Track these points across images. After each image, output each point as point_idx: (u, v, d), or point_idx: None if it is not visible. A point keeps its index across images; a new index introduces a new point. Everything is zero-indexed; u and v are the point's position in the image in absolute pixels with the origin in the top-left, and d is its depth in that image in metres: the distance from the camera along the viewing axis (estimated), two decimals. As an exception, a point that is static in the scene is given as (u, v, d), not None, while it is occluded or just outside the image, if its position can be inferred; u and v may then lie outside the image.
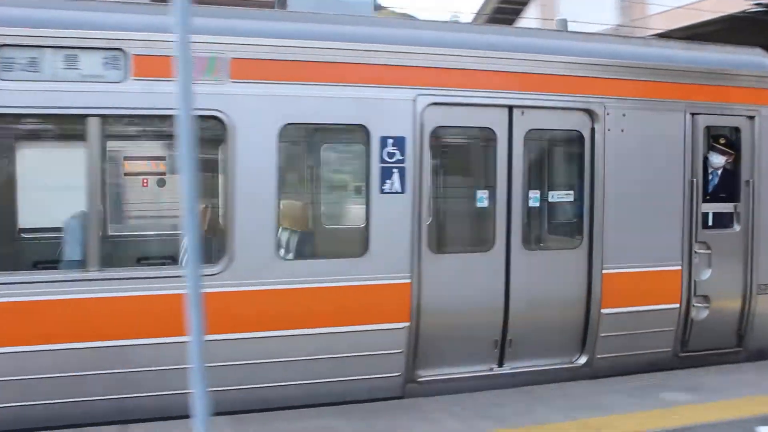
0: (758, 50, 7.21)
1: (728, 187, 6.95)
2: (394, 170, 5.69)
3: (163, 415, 4.99)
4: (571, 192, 6.39)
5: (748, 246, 6.95)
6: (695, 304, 6.81)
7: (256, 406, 5.44)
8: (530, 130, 6.14)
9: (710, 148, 7.00)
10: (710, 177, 7.04)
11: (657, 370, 6.64)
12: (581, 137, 6.29)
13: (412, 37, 5.81)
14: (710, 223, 6.91)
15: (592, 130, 6.29)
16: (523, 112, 6.06)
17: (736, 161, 6.96)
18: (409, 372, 5.90)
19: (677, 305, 6.65)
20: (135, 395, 5.02)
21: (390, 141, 5.67)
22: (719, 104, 6.75)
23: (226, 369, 5.32)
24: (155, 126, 5.43)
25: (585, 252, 6.30)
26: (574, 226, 6.38)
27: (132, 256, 5.98)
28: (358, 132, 5.60)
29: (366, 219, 5.63)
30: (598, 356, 6.45)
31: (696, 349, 6.90)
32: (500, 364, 6.23)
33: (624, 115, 6.38)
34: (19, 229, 6.03)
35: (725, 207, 6.96)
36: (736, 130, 6.92)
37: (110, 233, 6.27)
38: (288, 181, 5.56)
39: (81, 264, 4.98)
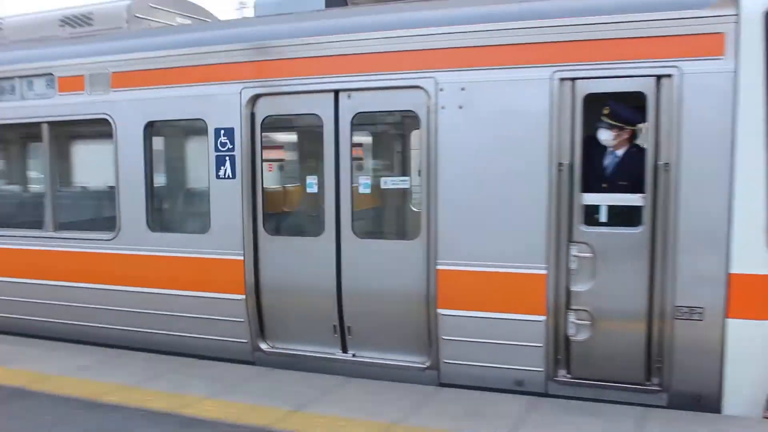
0: None
1: (633, 172, 5.33)
2: (227, 158, 6.49)
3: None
4: (407, 178, 6.00)
5: (657, 252, 5.24)
6: (573, 320, 5.55)
7: (129, 345, 7.06)
8: (358, 114, 6.05)
9: (599, 121, 5.46)
10: (608, 160, 5.50)
11: (530, 393, 5.72)
12: (417, 117, 5.86)
13: (237, 34, 6.43)
14: (603, 218, 5.45)
15: (427, 108, 5.79)
16: (349, 96, 6.03)
17: (638, 138, 5.28)
18: (254, 341, 6.64)
19: (542, 317, 5.57)
20: None
21: (222, 132, 6.49)
22: (609, 63, 5.25)
23: (108, 312, 7.09)
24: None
25: (423, 244, 5.89)
26: (418, 216, 5.98)
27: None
28: (201, 125, 6.58)
29: (205, 201, 6.60)
30: (444, 361, 5.95)
31: (583, 376, 5.60)
32: (344, 350, 6.38)
33: (463, 89, 5.65)
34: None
35: (627, 199, 5.37)
36: (639, 96, 5.22)
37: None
38: (155, 169, 6.91)
39: None
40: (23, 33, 7.81)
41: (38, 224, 7.48)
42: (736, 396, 5.18)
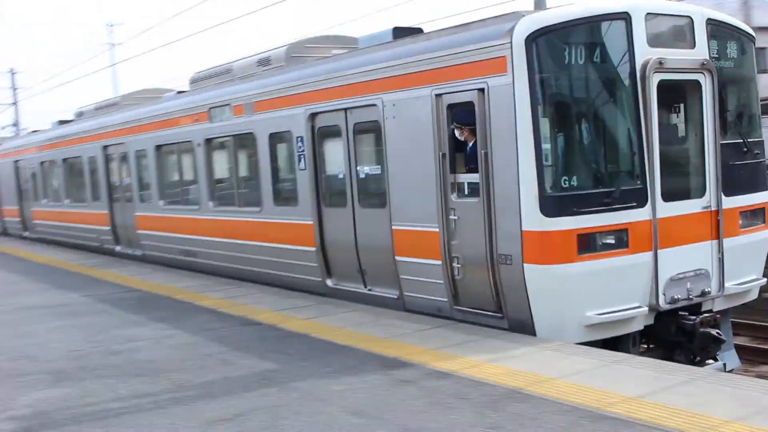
0: (511, 15, 7.26)
1: (475, 159, 7.61)
2: (302, 156, 10.27)
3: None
4: (379, 167, 9.02)
5: (486, 215, 7.50)
6: (455, 265, 8.05)
7: (257, 280, 11.29)
8: (355, 124, 9.29)
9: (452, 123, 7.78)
10: (468, 150, 7.81)
11: (444, 317, 8.40)
12: (379, 125, 8.86)
13: (300, 74, 10.09)
14: (466, 192, 7.84)
15: (381, 119, 8.78)
16: (351, 112, 9.31)
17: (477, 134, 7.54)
18: (324, 279, 10.31)
19: (440, 262, 8.20)
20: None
21: (298, 138, 10.28)
22: (454, 82, 7.67)
23: (256, 260, 11.40)
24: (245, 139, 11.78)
25: (387, 212, 8.90)
26: (383, 192, 8.96)
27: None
28: (290, 134, 10.47)
29: (295, 185, 10.48)
30: (405, 293, 8.90)
31: (465, 306, 8.07)
32: (365, 286, 9.68)
33: (394, 105, 8.52)
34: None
35: (472, 177, 7.69)
36: (471, 104, 7.49)
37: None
38: (272, 165, 10.94)
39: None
40: (242, 72, 12.43)
41: (231, 203, 12.14)
42: (543, 323, 7.21)
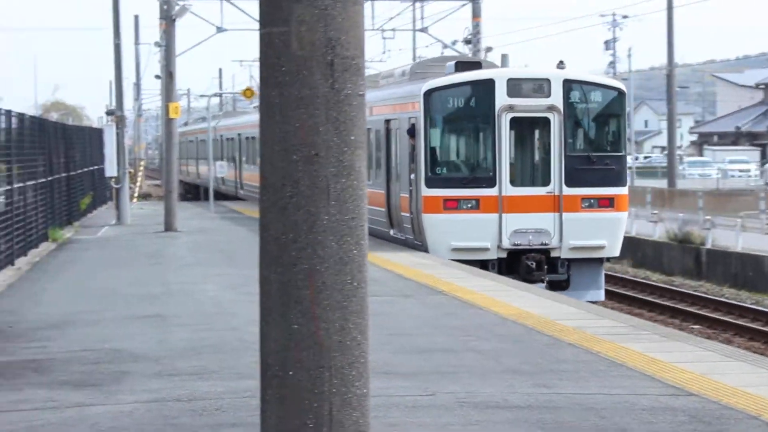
0: (427, 79, 14.87)
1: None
2: (381, 147, 18.54)
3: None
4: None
5: (415, 186, 15.15)
6: (411, 216, 15.76)
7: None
8: (397, 129, 17.32)
9: None
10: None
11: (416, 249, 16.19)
12: (396, 133, 16.79)
13: (386, 93, 18.31)
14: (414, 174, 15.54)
15: (396, 128, 16.71)
16: (393, 122, 17.36)
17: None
18: (388, 230, 18.42)
19: (409, 215, 15.97)
20: None
21: (383, 136, 18.54)
22: (411, 111, 15.42)
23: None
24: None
25: (399, 184, 16.81)
26: (399, 173, 16.85)
27: None
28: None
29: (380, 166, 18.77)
30: (407, 236, 16.76)
31: (418, 241, 15.73)
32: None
33: (400, 120, 16.42)
34: None
35: (413, 168, 15.38)
36: (414, 125, 15.17)
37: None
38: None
39: None
40: (397, 77, 20.74)
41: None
42: (432, 247, 14.84)
